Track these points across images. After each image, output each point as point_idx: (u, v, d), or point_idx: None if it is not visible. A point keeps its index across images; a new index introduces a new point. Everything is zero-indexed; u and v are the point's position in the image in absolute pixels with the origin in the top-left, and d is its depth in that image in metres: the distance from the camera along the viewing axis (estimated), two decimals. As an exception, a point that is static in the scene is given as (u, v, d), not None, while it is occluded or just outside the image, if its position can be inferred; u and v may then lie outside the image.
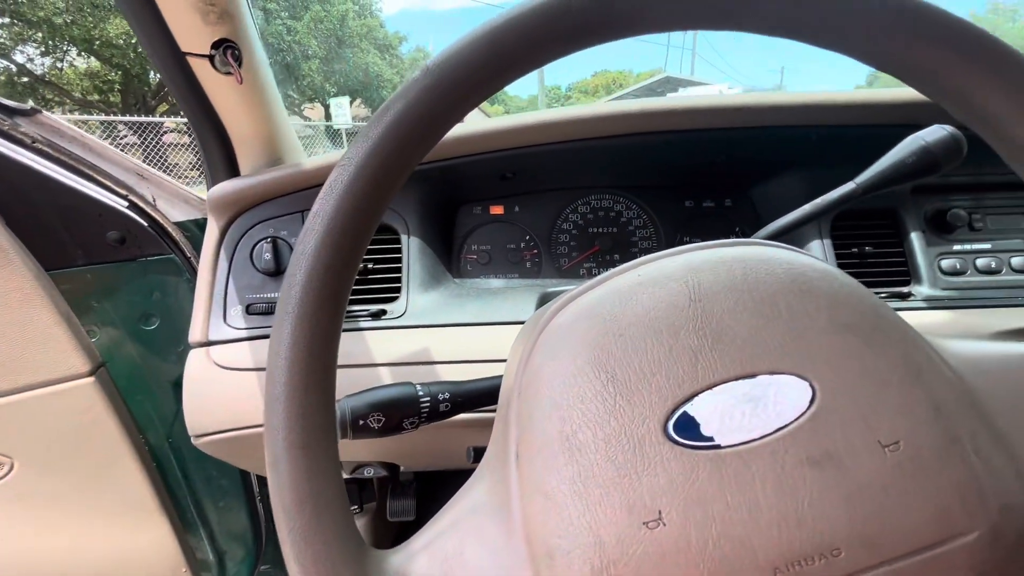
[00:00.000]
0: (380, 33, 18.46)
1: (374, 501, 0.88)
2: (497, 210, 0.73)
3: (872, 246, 0.63)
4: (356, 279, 0.63)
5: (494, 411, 0.33)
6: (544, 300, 0.62)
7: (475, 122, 0.62)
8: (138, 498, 0.82)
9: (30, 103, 0.69)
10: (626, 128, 0.61)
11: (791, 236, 0.63)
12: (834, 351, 0.25)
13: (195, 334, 0.61)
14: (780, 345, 0.25)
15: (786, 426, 0.24)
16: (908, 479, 0.23)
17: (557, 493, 0.24)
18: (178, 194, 0.79)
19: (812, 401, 0.24)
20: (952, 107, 0.27)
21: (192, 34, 0.52)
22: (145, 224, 0.74)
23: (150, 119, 8.38)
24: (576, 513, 0.23)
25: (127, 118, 9.36)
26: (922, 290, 0.61)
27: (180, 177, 8.45)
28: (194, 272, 0.76)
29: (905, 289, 0.61)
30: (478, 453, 0.58)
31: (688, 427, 0.24)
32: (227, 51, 0.53)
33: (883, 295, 0.60)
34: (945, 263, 0.62)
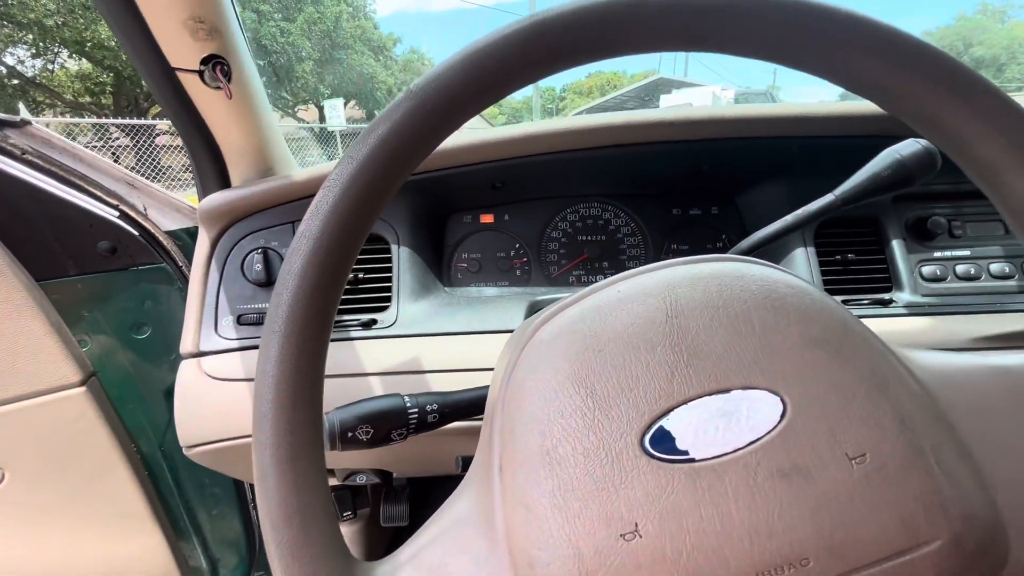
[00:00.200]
0: (374, 35, 18.45)
1: (368, 507, 0.88)
2: (487, 219, 0.74)
3: (855, 253, 0.64)
4: (346, 289, 0.64)
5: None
6: (533, 308, 0.63)
7: (465, 134, 0.63)
8: (131, 507, 0.82)
9: (21, 108, 0.69)
10: (612, 139, 0.62)
11: (776, 245, 0.64)
12: (804, 366, 0.26)
13: (186, 345, 0.62)
14: (753, 361, 0.26)
15: (758, 440, 0.25)
16: (874, 490, 0.24)
17: (538, 506, 0.25)
18: (170, 203, 0.79)
19: (783, 415, 0.25)
20: (920, 129, 0.28)
21: (181, 50, 0.53)
22: (136, 233, 0.75)
23: (142, 121, 8.33)
24: (556, 525, 0.24)
25: (119, 120, 9.31)
26: (903, 296, 0.62)
27: (173, 179, 8.41)
28: (186, 280, 0.76)
29: (887, 296, 0.62)
30: (466, 463, 0.58)
31: (664, 441, 0.25)
32: (216, 67, 0.53)
33: (865, 302, 0.61)
34: (926, 270, 0.63)
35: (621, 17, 0.25)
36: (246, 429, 0.59)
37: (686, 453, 0.25)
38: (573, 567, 0.23)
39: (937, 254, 0.64)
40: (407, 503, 0.78)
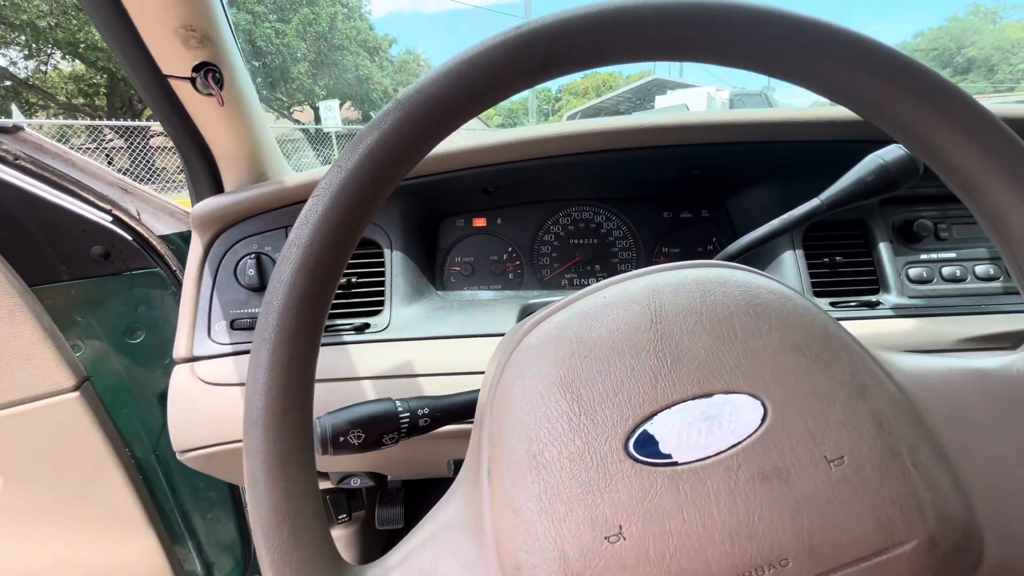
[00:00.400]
0: (370, 36, 18.43)
1: (363, 510, 0.89)
2: (480, 223, 0.74)
3: (843, 256, 0.65)
4: (340, 293, 0.64)
5: None
6: (526, 312, 0.64)
7: (458, 139, 0.63)
8: (125, 511, 0.82)
9: (13, 110, 0.69)
10: (604, 144, 0.63)
11: (764, 248, 0.65)
12: (785, 371, 0.26)
13: (179, 350, 0.62)
14: (735, 365, 0.27)
15: (739, 443, 0.25)
16: (851, 492, 0.24)
17: (525, 509, 0.25)
18: (163, 207, 0.79)
19: (764, 419, 0.25)
20: (897, 137, 0.29)
21: (173, 57, 0.53)
22: (130, 238, 0.75)
23: (136, 123, 8.28)
24: (542, 529, 0.25)
25: (113, 122, 9.26)
26: (890, 298, 0.63)
27: (168, 181, 8.36)
28: (179, 285, 0.76)
29: (874, 298, 0.63)
30: (458, 466, 0.59)
31: (648, 445, 0.25)
32: (208, 74, 0.53)
33: (853, 304, 0.62)
34: (912, 272, 0.64)
35: (610, 27, 0.26)
36: (239, 434, 0.59)
37: (669, 457, 0.25)
38: (558, 569, 0.24)
39: (923, 256, 0.65)
40: (402, 506, 0.78)
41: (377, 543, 1.03)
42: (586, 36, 0.26)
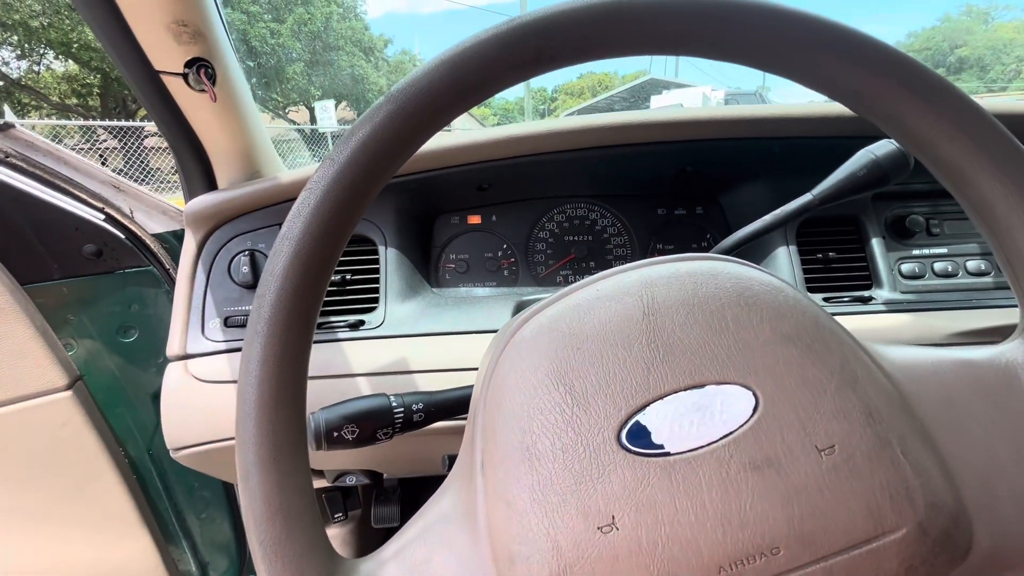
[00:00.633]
0: (365, 36, 18.39)
1: (359, 508, 0.88)
2: (474, 220, 0.74)
3: (836, 252, 0.65)
4: (334, 290, 0.64)
5: None
6: (520, 308, 0.64)
7: (452, 136, 0.63)
8: (119, 511, 0.81)
9: (6, 110, 0.69)
10: (598, 141, 0.63)
11: (758, 244, 0.65)
12: (776, 361, 0.27)
13: (173, 347, 0.62)
14: (726, 356, 0.27)
15: (731, 433, 0.25)
16: (842, 481, 0.24)
17: (518, 501, 0.25)
18: (156, 206, 0.79)
19: (755, 409, 0.26)
20: (888, 131, 0.29)
21: (165, 53, 0.52)
22: (122, 236, 0.74)
23: (130, 123, 8.24)
24: (535, 520, 0.25)
25: (107, 122, 9.21)
26: (883, 294, 0.63)
27: (162, 181, 8.32)
28: (172, 283, 0.76)
29: (867, 293, 0.63)
30: (452, 461, 0.59)
31: (640, 436, 0.26)
32: (200, 70, 0.53)
33: (846, 299, 0.63)
34: (905, 267, 0.64)
35: (602, 20, 0.26)
36: (233, 431, 0.59)
37: (661, 447, 0.25)
38: (552, 560, 0.24)
39: (916, 252, 0.65)
40: (398, 504, 0.78)
41: (374, 542, 1.02)
42: (578, 30, 0.26)
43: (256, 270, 0.62)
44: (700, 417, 0.26)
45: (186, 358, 0.62)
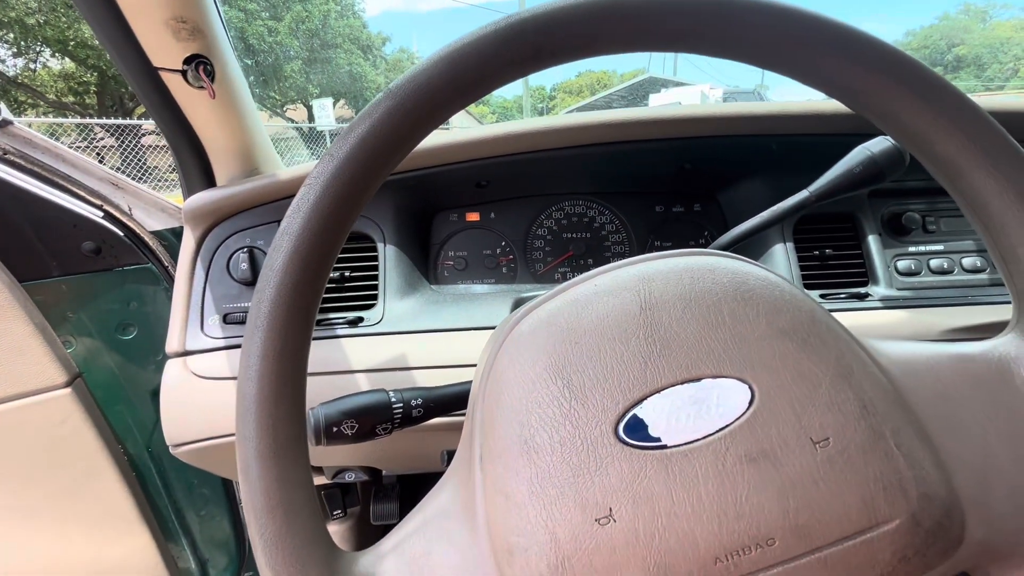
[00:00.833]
0: (363, 34, 18.35)
1: (358, 505, 0.89)
2: (473, 217, 0.75)
3: (833, 249, 0.66)
4: (333, 287, 0.65)
5: None
6: (518, 305, 0.64)
7: (450, 133, 0.63)
8: (118, 508, 0.81)
9: (2, 108, 0.69)
10: (596, 138, 0.63)
11: (755, 241, 0.66)
12: (772, 355, 0.27)
13: (172, 344, 0.62)
14: (723, 350, 0.27)
15: (727, 426, 0.25)
16: (836, 472, 0.25)
17: (516, 493, 0.26)
18: (154, 203, 0.79)
19: (751, 403, 0.26)
20: (884, 127, 0.30)
21: (164, 50, 0.52)
22: (121, 234, 0.74)
23: (128, 121, 8.21)
24: (534, 512, 0.25)
25: (104, 120, 9.18)
26: (879, 290, 0.63)
27: (160, 180, 8.30)
28: (171, 281, 0.76)
29: (863, 290, 0.63)
30: (451, 457, 0.59)
31: (637, 429, 0.26)
32: (199, 66, 0.53)
33: (842, 296, 0.63)
34: (901, 264, 0.65)
35: (601, 17, 0.26)
36: (232, 427, 0.59)
37: (658, 440, 0.25)
38: (550, 552, 0.24)
39: (912, 249, 0.65)
40: (397, 501, 0.78)
41: (373, 538, 1.02)
42: (577, 26, 0.26)
43: (255, 267, 0.62)
44: (697, 410, 0.26)
45: (185, 355, 0.62)
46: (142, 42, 0.52)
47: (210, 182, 0.66)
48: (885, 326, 0.60)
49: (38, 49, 11.55)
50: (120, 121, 8.26)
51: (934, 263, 0.64)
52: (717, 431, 0.25)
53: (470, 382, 0.43)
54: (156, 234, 0.77)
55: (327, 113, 11.95)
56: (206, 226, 0.64)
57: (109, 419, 0.79)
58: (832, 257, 0.66)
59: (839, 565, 0.24)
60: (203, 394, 0.60)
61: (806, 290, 0.63)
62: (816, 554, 0.24)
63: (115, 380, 0.80)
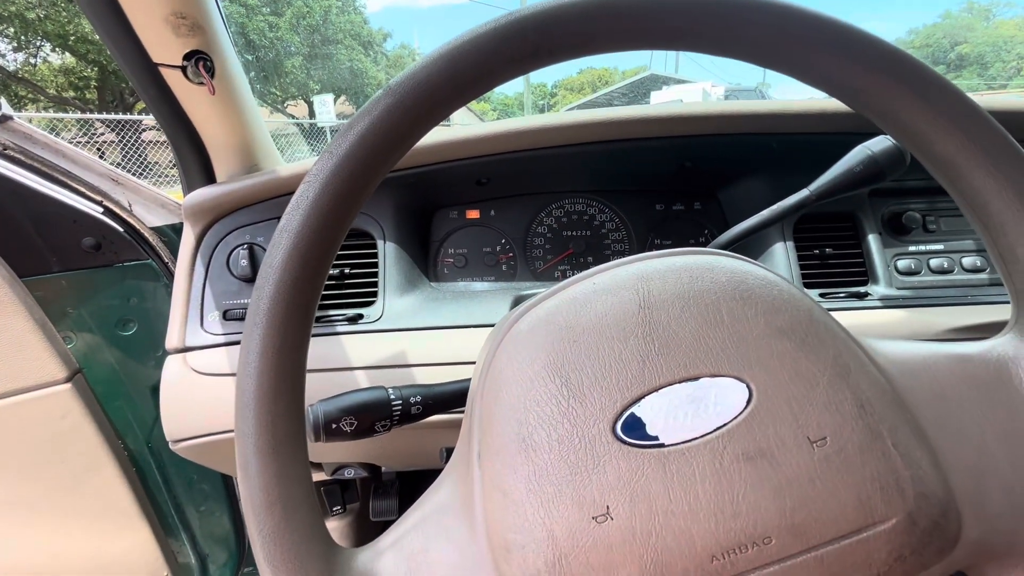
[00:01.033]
0: (364, 30, 18.29)
1: (357, 501, 0.89)
2: (473, 214, 0.75)
3: (833, 248, 0.66)
4: (333, 284, 0.65)
5: None
6: (518, 302, 0.64)
7: (450, 130, 0.63)
8: (118, 503, 0.82)
9: (2, 103, 0.68)
10: (596, 136, 0.63)
11: (755, 239, 0.66)
12: (770, 354, 0.27)
13: (172, 340, 0.62)
14: (721, 349, 0.27)
15: (724, 425, 0.26)
16: (833, 472, 0.25)
17: (514, 491, 0.26)
18: (154, 199, 0.79)
19: (749, 401, 0.26)
20: (883, 126, 0.29)
21: (163, 46, 0.52)
22: (121, 230, 0.74)
23: (128, 116, 8.20)
24: (531, 509, 0.25)
25: (104, 116, 9.17)
26: (879, 289, 0.63)
27: (160, 175, 8.29)
28: (171, 277, 0.76)
29: (863, 289, 0.63)
30: (450, 454, 0.59)
31: (635, 427, 0.26)
32: (199, 62, 0.53)
33: (842, 295, 0.63)
34: (901, 263, 0.64)
35: (601, 15, 0.26)
36: (232, 423, 0.59)
37: (656, 439, 0.26)
38: (547, 549, 0.24)
39: (912, 248, 0.65)
40: (396, 497, 0.78)
41: (372, 535, 1.03)
42: (576, 24, 0.26)
43: (255, 263, 0.63)
44: (694, 409, 0.26)
45: (185, 351, 0.62)
46: (142, 38, 0.52)
47: (210, 178, 0.66)
48: (884, 325, 0.60)
49: (38, 44, 11.52)
50: (120, 116, 8.25)
51: (934, 262, 0.64)
52: (714, 430, 0.25)
53: (469, 380, 0.44)
54: (156, 230, 0.77)
55: (328, 109, 11.92)
56: (206, 222, 0.64)
57: (109, 415, 0.79)
58: (832, 256, 0.66)
59: (835, 564, 0.24)
60: (203, 390, 0.60)
61: (805, 289, 0.63)
62: (812, 553, 0.24)
63: (115, 376, 0.80)
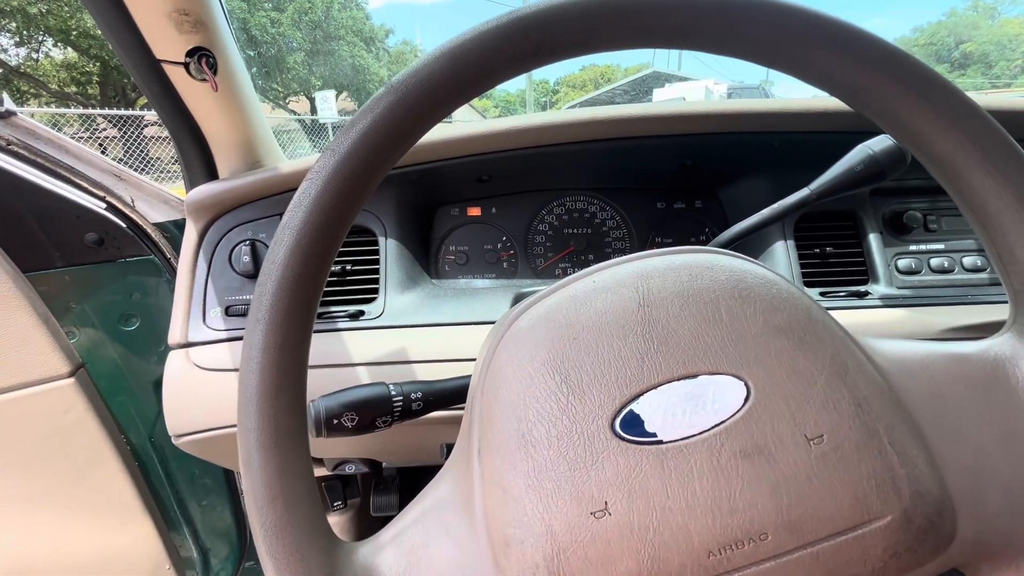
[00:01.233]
0: (366, 26, 18.25)
1: (358, 497, 0.89)
2: (474, 212, 0.75)
3: (833, 247, 0.66)
4: (335, 280, 0.65)
5: None
6: (519, 299, 0.64)
7: (452, 127, 0.63)
8: (121, 497, 0.82)
9: (5, 98, 0.69)
10: (597, 134, 0.63)
11: (756, 238, 0.66)
12: (768, 353, 0.27)
13: (174, 336, 0.62)
14: (720, 347, 0.27)
15: (722, 422, 0.26)
16: (830, 469, 0.25)
17: (513, 486, 0.26)
18: (157, 195, 0.79)
19: (746, 399, 0.26)
20: (883, 125, 0.30)
21: (166, 42, 0.53)
22: (123, 225, 0.75)
23: (130, 112, 8.19)
24: (530, 505, 0.25)
25: (106, 111, 9.17)
26: (879, 289, 0.63)
27: (162, 171, 8.30)
28: (174, 272, 0.76)
29: (863, 288, 0.63)
30: (450, 450, 0.60)
31: (634, 424, 0.26)
32: (202, 59, 0.53)
33: (842, 294, 0.63)
34: (901, 263, 0.65)
35: (602, 13, 0.26)
36: (233, 419, 0.60)
37: (654, 435, 0.26)
38: (546, 544, 0.25)
39: (912, 247, 0.65)
40: (396, 492, 0.79)
41: (372, 530, 1.03)
42: (578, 22, 0.26)
43: (257, 259, 0.63)
44: (693, 406, 0.26)
45: (187, 346, 0.62)
46: (145, 34, 0.52)
47: (212, 175, 0.66)
48: (884, 324, 0.60)
49: (40, 39, 11.52)
50: (123, 111, 8.24)
51: (935, 262, 0.64)
52: (712, 427, 0.26)
53: (469, 376, 0.44)
54: (158, 226, 0.78)
55: (330, 105, 11.91)
56: (208, 219, 0.64)
57: (112, 409, 0.79)
58: (833, 255, 0.66)
59: (831, 560, 0.24)
60: (205, 385, 0.60)
61: (805, 288, 0.63)
62: (808, 549, 0.24)
63: (118, 371, 0.80)
